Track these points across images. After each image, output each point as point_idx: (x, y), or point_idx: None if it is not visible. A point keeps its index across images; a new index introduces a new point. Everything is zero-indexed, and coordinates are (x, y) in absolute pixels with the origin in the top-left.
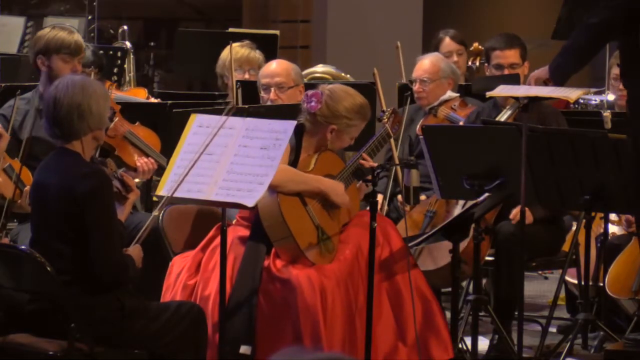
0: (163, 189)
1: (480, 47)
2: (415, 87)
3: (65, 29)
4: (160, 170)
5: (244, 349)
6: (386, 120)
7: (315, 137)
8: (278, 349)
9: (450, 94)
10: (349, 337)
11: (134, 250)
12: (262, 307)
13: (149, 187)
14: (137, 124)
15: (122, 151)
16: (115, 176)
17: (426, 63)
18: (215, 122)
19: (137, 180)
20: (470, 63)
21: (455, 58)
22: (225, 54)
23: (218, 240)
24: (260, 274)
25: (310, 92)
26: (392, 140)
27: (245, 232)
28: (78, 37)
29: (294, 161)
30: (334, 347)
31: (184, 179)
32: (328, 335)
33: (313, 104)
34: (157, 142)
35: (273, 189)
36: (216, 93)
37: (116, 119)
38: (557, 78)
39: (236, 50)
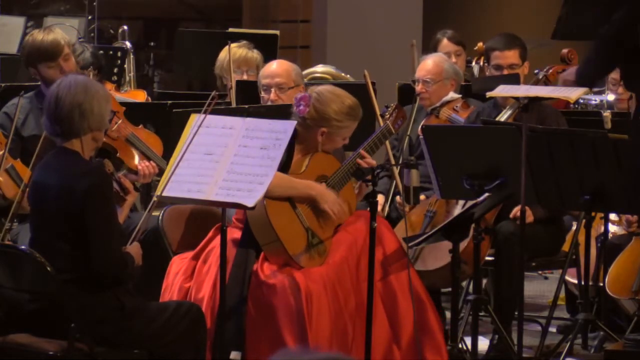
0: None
1: (484, 46)
2: (418, 87)
3: (42, 32)
4: (161, 173)
5: (234, 355)
6: (388, 116)
7: (306, 140)
8: (266, 354)
9: (452, 95)
10: (338, 341)
11: (133, 248)
12: (250, 312)
13: (149, 187)
14: (140, 127)
15: (124, 153)
16: (113, 177)
17: (429, 63)
18: (216, 122)
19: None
20: (474, 62)
21: (453, 59)
22: (223, 55)
23: (212, 244)
24: (249, 280)
25: (299, 95)
26: (387, 141)
27: (240, 235)
28: (54, 35)
29: (286, 163)
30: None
31: (170, 178)
32: (313, 340)
33: (301, 107)
34: (159, 145)
35: None
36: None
37: (120, 121)
38: (583, 85)
39: (234, 51)
